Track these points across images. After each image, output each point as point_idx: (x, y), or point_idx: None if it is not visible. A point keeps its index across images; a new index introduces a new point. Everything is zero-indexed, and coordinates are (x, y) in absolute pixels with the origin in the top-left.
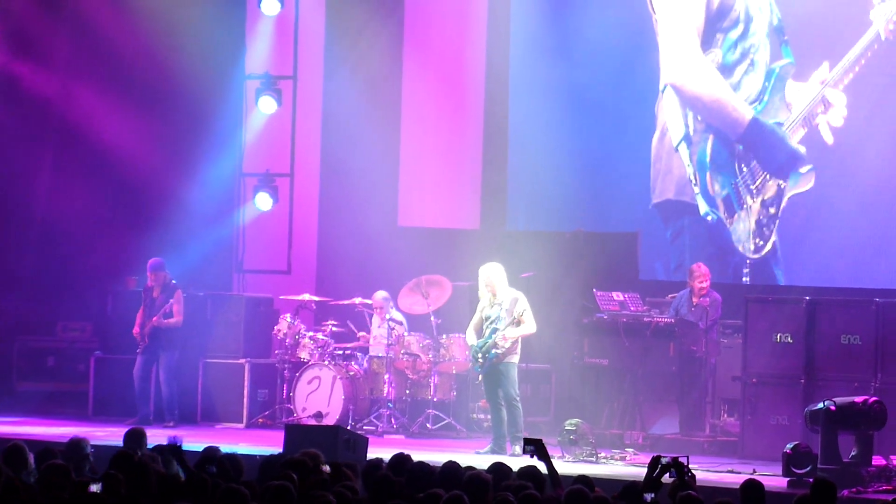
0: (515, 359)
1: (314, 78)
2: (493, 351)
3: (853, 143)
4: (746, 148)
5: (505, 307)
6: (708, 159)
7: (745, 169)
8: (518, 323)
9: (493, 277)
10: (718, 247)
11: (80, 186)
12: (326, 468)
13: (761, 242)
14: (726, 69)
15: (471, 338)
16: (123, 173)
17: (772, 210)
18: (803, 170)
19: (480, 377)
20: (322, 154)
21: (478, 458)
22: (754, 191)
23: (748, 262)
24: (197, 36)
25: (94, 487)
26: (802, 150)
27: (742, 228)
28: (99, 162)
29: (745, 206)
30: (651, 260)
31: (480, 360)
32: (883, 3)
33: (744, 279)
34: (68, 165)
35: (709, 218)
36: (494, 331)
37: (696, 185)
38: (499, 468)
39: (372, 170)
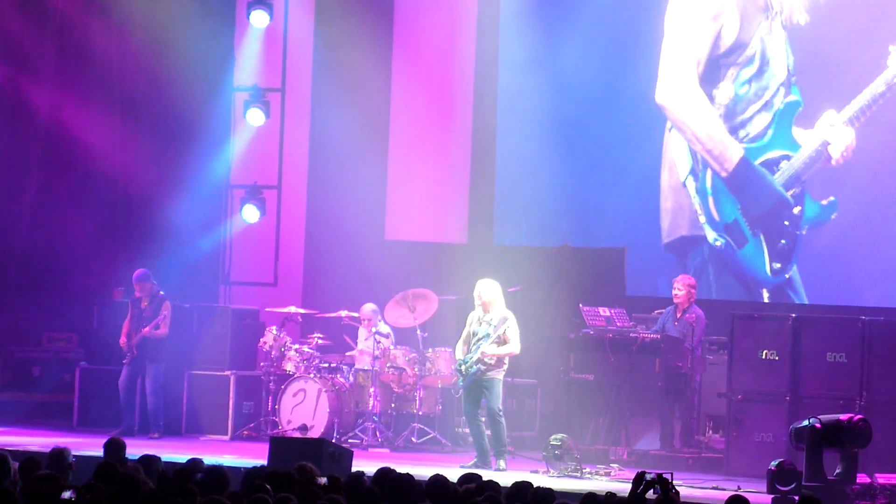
0: (500, 374)
1: (302, 91)
2: (476, 367)
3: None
4: (732, 188)
5: (493, 325)
6: (709, 186)
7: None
8: (502, 342)
9: (487, 293)
10: (737, 273)
11: (67, 197)
12: (323, 480)
13: (779, 266)
14: (738, 104)
15: (458, 352)
16: (111, 184)
17: (793, 232)
18: (825, 201)
19: (461, 391)
20: (309, 167)
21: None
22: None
23: (769, 289)
24: (185, 48)
25: (67, 494)
26: (788, 196)
27: (754, 253)
28: (86, 173)
29: (756, 231)
30: (654, 276)
31: (463, 374)
32: None
33: (763, 299)
34: (55, 176)
35: (717, 244)
36: (479, 347)
37: (701, 215)
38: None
39: (359, 183)
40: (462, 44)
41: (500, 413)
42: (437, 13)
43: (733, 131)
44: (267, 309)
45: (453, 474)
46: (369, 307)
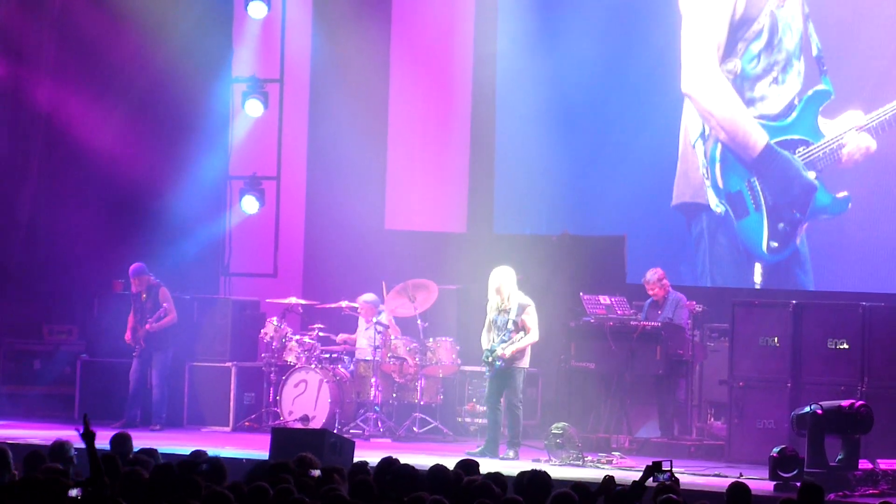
0: (523, 363)
1: (301, 81)
2: (498, 363)
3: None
4: (758, 174)
5: (512, 317)
6: (718, 154)
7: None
8: (522, 329)
9: (501, 282)
10: (733, 244)
11: (67, 189)
12: (316, 473)
13: (777, 245)
14: (747, 81)
15: (484, 341)
16: (110, 176)
17: (796, 214)
18: (839, 195)
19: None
20: (309, 157)
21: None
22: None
23: (764, 265)
24: (184, 39)
25: (74, 492)
26: (813, 179)
27: (752, 228)
28: (86, 165)
29: (760, 206)
30: (654, 263)
31: (489, 364)
32: None
33: (755, 283)
34: (55, 168)
35: (718, 210)
36: (502, 340)
37: (707, 178)
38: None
39: (359, 173)
40: (461, 32)
41: (518, 404)
42: (436, 2)
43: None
44: (267, 300)
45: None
46: (369, 297)
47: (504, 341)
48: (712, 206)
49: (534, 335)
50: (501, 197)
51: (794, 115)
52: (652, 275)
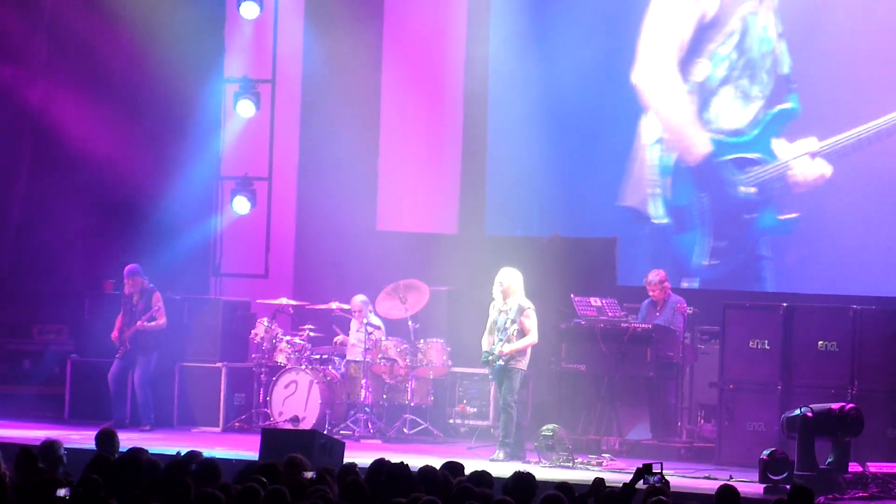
0: (522, 364)
1: (293, 82)
2: (498, 362)
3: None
4: (698, 185)
5: (510, 317)
6: (672, 164)
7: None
8: (521, 332)
9: (507, 282)
10: (672, 256)
11: (58, 189)
12: (310, 474)
13: (716, 262)
14: (713, 84)
15: (484, 343)
16: (101, 176)
17: (740, 236)
18: (784, 216)
19: (493, 381)
20: (300, 158)
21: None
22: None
23: (701, 277)
24: (176, 39)
25: (62, 492)
26: (753, 190)
27: (693, 242)
28: (76, 165)
29: (705, 221)
30: (645, 265)
31: (490, 365)
32: None
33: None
34: (46, 168)
35: (659, 223)
36: (500, 340)
37: (656, 187)
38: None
39: (350, 174)
40: (452, 34)
41: (513, 404)
42: (428, 3)
43: (705, 111)
44: (258, 301)
45: (472, 465)
46: (360, 298)
47: (501, 340)
48: (652, 216)
49: (533, 337)
50: (493, 198)
51: (755, 132)
52: (654, 276)
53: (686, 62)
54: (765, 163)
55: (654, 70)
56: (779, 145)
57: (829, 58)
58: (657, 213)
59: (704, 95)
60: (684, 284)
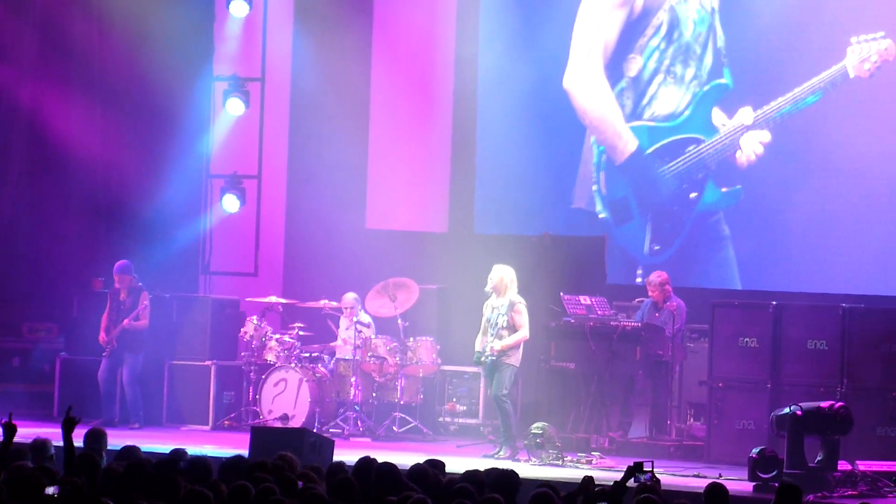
0: (513, 360)
1: (282, 80)
2: (490, 359)
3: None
4: (623, 175)
5: (501, 312)
6: (604, 161)
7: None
8: (512, 327)
9: (499, 278)
10: (618, 248)
11: (47, 187)
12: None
13: (658, 247)
14: (645, 79)
15: (477, 343)
16: (90, 174)
17: (677, 215)
18: (726, 189)
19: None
20: (290, 156)
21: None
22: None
23: (643, 265)
24: (165, 37)
25: (51, 490)
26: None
27: (635, 231)
28: (66, 163)
29: (644, 211)
30: (634, 264)
31: (482, 365)
32: (860, 43)
33: (637, 279)
34: (36, 167)
35: (601, 216)
36: (493, 337)
37: (594, 183)
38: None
39: (340, 172)
40: (442, 33)
41: (504, 398)
42: (417, 2)
43: (640, 106)
44: (247, 299)
45: (456, 463)
46: (350, 296)
47: (493, 336)
48: (596, 210)
49: (524, 332)
50: (482, 197)
51: (687, 112)
52: (655, 277)
53: (618, 60)
54: (700, 142)
55: (581, 74)
56: (717, 119)
57: (756, 28)
58: (598, 207)
59: (640, 88)
60: (638, 280)
